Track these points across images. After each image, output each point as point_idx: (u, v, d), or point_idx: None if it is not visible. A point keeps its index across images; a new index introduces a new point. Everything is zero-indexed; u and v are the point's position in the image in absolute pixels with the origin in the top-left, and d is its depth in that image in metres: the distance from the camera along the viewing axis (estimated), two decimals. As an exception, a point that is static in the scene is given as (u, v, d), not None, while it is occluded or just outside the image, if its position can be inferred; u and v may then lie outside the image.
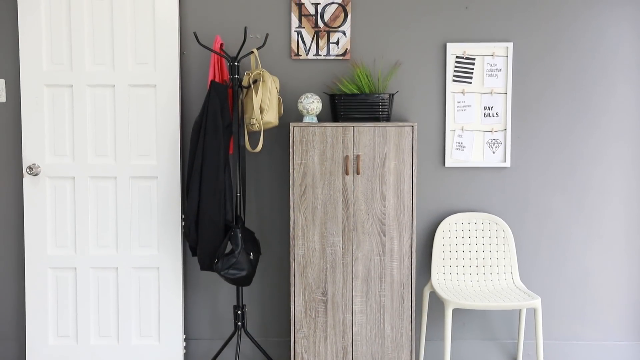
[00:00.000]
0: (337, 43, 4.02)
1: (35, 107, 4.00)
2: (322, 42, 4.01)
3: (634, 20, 4.03)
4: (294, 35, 4.01)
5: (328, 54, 4.01)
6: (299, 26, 4.01)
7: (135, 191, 4.06)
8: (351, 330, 3.82)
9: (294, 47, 4.02)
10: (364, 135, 3.74)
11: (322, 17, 4.00)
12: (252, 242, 3.91)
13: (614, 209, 4.13)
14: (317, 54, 4.01)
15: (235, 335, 3.96)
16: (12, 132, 4.07)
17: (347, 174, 3.74)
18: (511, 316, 4.16)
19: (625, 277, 4.17)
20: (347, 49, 4.01)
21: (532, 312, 3.91)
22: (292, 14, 3.99)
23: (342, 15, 3.99)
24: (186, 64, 4.05)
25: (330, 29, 4.00)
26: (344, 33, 4.01)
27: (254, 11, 4.02)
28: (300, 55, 4.03)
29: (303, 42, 4.02)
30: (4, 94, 4.06)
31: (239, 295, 3.97)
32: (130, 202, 4.06)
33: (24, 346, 4.14)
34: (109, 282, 4.09)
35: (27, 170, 3.98)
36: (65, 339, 4.09)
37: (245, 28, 3.76)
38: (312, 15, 3.99)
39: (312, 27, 4.01)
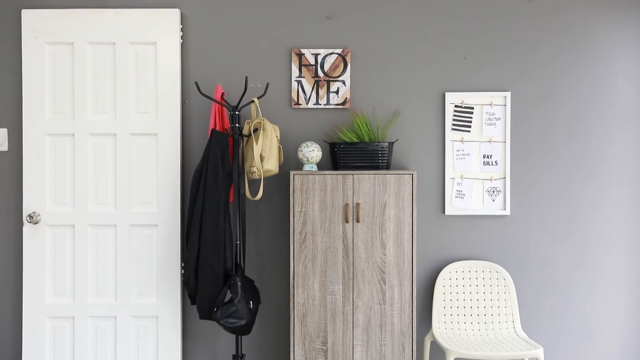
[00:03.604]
0: (337, 92, 3.78)
1: (37, 156, 3.78)
2: (322, 92, 3.78)
3: (628, 71, 3.85)
4: (294, 84, 3.78)
5: (328, 103, 3.77)
6: (299, 76, 3.77)
7: (135, 239, 3.82)
8: None
9: (294, 96, 3.78)
10: (363, 183, 3.50)
11: (322, 67, 3.77)
12: (252, 291, 3.63)
13: (614, 258, 3.89)
14: (317, 103, 3.77)
15: None
16: (13, 180, 3.85)
17: (347, 221, 3.49)
18: (513, 366, 3.86)
19: (626, 326, 3.91)
20: (346, 98, 3.77)
21: None
22: (292, 64, 3.77)
23: (342, 65, 3.76)
24: (187, 113, 3.84)
25: (330, 79, 3.78)
26: (343, 82, 3.77)
27: (255, 61, 3.82)
28: (301, 105, 3.79)
29: (303, 91, 3.78)
30: (6, 142, 3.83)
31: (238, 345, 3.67)
32: (129, 250, 3.82)
33: None
34: (107, 331, 3.82)
35: (27, 218, 3.74)
36: None
37: (247, 78, 3.53)
38: (312, 65, 3.77)
39: (312, 77, 3.78)
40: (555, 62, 3.85)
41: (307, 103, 3.79)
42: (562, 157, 3.87)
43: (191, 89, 3.78)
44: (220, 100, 3.57)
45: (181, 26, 3.82)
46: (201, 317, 3.54)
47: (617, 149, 3.87)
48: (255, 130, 3.58)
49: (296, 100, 3.80)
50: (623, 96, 3.85)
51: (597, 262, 3.89)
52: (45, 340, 3.82)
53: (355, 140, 3.65)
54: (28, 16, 3.77)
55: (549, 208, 3.87)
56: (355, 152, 3.56)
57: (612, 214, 3.88)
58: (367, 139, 3.65)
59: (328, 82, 3.78)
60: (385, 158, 3.58)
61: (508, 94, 3.82)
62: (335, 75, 3.78)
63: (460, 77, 3.85)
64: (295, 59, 3.78)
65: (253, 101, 3.59)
